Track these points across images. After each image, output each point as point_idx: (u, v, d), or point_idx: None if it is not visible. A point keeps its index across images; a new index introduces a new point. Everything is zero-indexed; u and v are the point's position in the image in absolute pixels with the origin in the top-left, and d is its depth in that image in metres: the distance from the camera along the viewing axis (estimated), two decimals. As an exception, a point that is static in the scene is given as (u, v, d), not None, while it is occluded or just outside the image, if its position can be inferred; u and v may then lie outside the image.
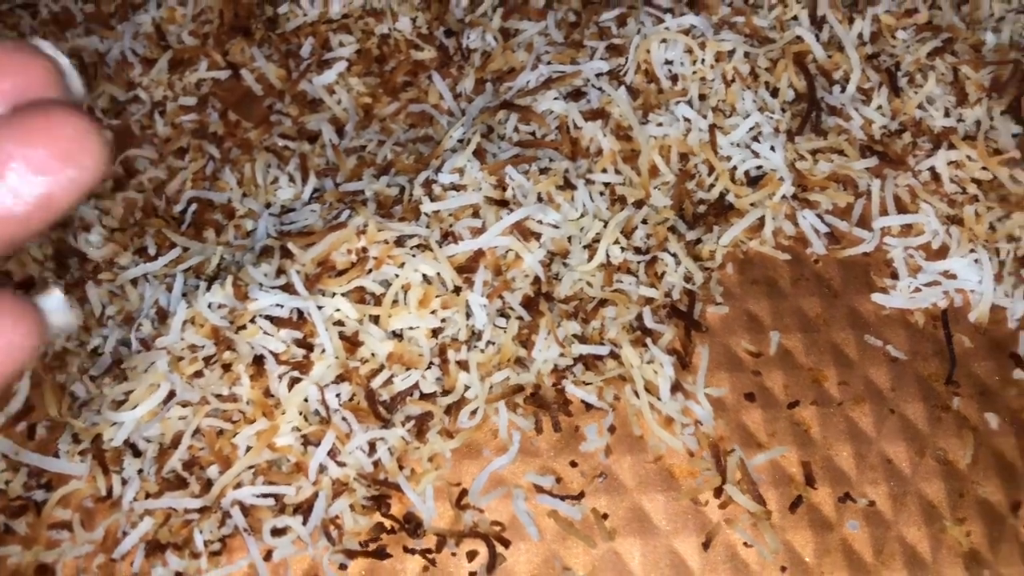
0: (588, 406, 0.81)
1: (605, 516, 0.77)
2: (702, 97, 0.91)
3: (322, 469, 0.76)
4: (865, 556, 0.75)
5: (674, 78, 0.92)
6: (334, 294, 0.77)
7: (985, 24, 0.96)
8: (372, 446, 0.77)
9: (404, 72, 0.99)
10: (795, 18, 0.95)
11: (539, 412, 0.80)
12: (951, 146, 0.89)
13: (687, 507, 0.77)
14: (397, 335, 0.78)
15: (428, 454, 0.78)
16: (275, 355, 0.76)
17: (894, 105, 0.92)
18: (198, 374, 0.76)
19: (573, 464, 0.79)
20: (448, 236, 0.81)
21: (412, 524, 0.76)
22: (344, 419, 0.76)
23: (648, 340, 0.82)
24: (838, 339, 0.84)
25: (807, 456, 0.79)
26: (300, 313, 0.76)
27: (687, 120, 0.89)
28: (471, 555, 0.75)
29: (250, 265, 0.79)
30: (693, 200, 0.88)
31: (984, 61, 0.92)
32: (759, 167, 0.89)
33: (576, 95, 0.91)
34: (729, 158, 0.89)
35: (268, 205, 0.90)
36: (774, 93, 0.92)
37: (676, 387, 0.80)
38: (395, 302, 0.78)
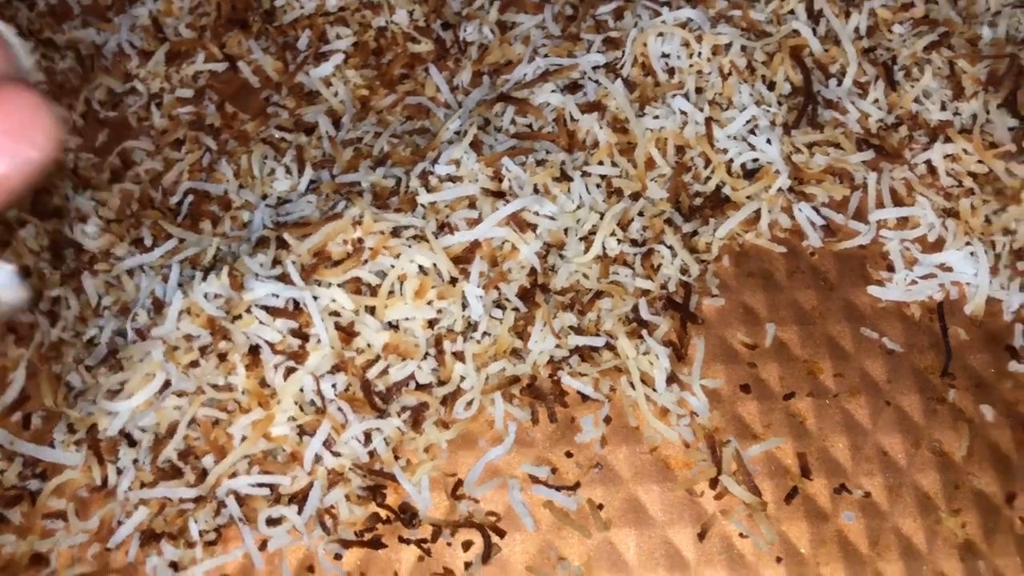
0: (584, 397, 0.81)
1: (600, 507, 0.77)
2: (698, 90, 0.91)
3: (317, 459, 0.76)
4: (860, 547, 0.75)
5: (671, 71, 0.92)
6: (330, 284, 0.77)
7: (981, 18, 0.96)
8: (368, 436, 0.77)
9: (401, 65, 0.99)
10: (792, 12, 0.95)
11: (535, 403, 0.80)
12: (947, 140, 0.89)
13: (682, 498, 0.77)
14: (393, 326, 0.78)
15: (424, 444, 0.78)
16: (271, 345, 0.76)
17: (890, 99, 0.92)
18: (194, 364, 0.76)
19: (569, 455, 0.79)
20: (444, 227, 0.81)
21: (407, 514, 0.76)
22: (340, 409, 0.76)
23: (644, 332, 0.82)
24: (834, 331, 0.84)
25: (803, 447, 0.79)
26: (296, 303, 0.76)
27: (683, 113, 0.89)
28: (466, 545, 0.75)
29: (246, 255, 0.79)
30: (689, 193, 0.88)
31: (980, 55, 0.92)
32: (755, 160, 0.89)
33: (573, 88, 0.91)
34: (725, 151, 0.89)
35: (264, 196, 0.90)
36: (770, 86, 0.92)
37: (672, 379, 0.80)
38: (391, 293, 0.78)
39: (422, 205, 0.81)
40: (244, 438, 0.75)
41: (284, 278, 0.77)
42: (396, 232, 0.79)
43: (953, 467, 0.78)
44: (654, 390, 0.80)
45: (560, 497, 0.77)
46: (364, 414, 0.76)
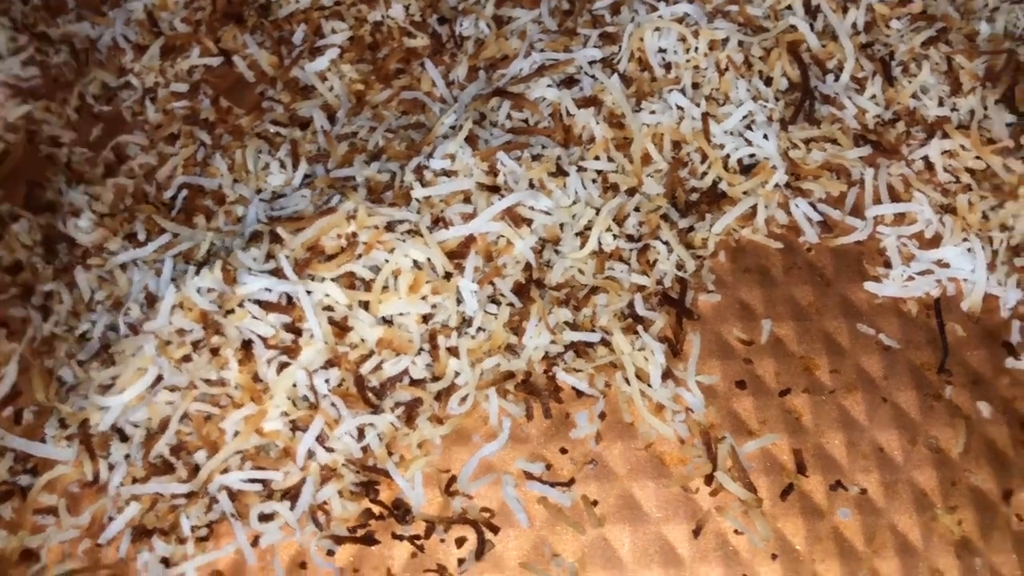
0: (579, 393, 0.80)
1: (595, 503, 0.76)
2: (695, 85, 0.91)
3: (310, 455, 0.75)
4: (856, 544, 0.74)
5: (667, 66, 0.91)
6: (323, 279, 0.76)
7: (979, 14, 0.95)
8: (361, 432, 0.76)
9: (397, 59, 0.98)
10: (789, 7, 0.95)
11: (530, 399, 0.80)
12: (945, 135, 0.89)
13: (677, 494, 0.76)
14: (387, 321, 0.78)
15: (417, 440, 0.78)
16: (263, 340, 0.75)
17: (888, 94, 0.92)
18: (186, 358, 0.76)
19: (563, 451, 0.78)
20: (439, 222, 0.80)
21: (400, 510, 0.76)
22: (333, 405, 0.75)
23: (639, 328, 0.81)
24: (830, 327, 0.83)
25: (798, 444, 0.78)
26: (289, 298, 0.76)
27: (680, 108, 0.89)
28: (460, 541, 0.75)
29: (239, 250, 0.79)
30: (686, 188, 0.88)
31: (978, 51, 0.91)
32: (752, 155, 0.89)
33: (569, 83, 0.91)
34: (722, 146, 0.88)
35: (259, 191, 0.89)
36: (768, 82, 0.92)
37: (667, 374, 0.80)
38: (385, 288, 0.77)
39: (417, 200, 0.81)
40: (236, 433, 0.75)
41: (277, 272, 0.76)
42: (390, 227, 0.79)
43: (949, 464, 0.77)
44: (649, 386, 0.79)
45: (554, 493, 0.76)
46: (357, 409, 0.76)
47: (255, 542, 0.75)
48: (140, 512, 0.75)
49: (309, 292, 0.76)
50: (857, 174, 0.90)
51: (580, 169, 0.86)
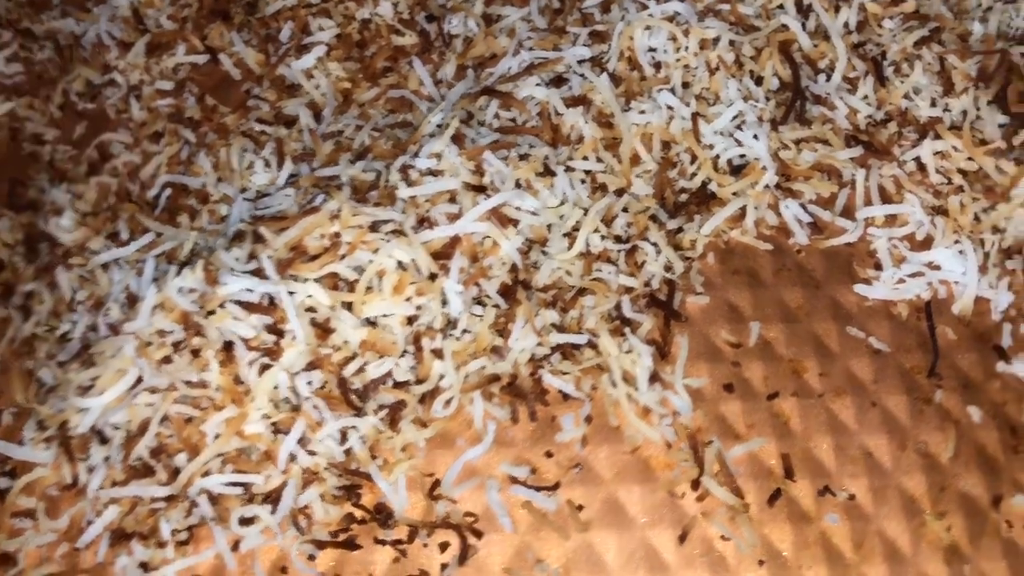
0: (565, 396, 0.79)
1: (580, 508, 0.75)
2: (685, 85, 0.90)
3: (292, 458, 0.74)
4: (844, 550, 0.74)
5: (657, 65, 0.90)
6: (306, 279, 0.75)
7: (972, 14, 0.94)
8: (344, 435, 0.75)
9: (384, 57, 0.97)
10: (781, 6, 0.94)
11: (515, 402, 0.79)
12: (937, 136, 0.88)
13: (664, 499, 0.75)
14: (371, 322, 0.77)
15: (401, 443, 0.77)
16: (245, 341, 0.74)
17: (880, 94, 0.91)
18: (166, 360, 0.75)
19: (549, 455, 0.77)
20: (424, 222, 0.79)
21: (383, 515, 0.75)
22: (315, 407, 0.74)
23: (627, 330, 0.80)
24: (820, 330, 0.83)
25: (786, 448, 0.77)
26: (271, 299, 0.75)
27: (670, 108, 0.88)
28: (443, 546, 0.74)
29: (222, 249, 0.78)
30: (675, 189, 0.87)
31: (971, 51, 0.90)
32: (742, 156, 0.88)
33: (558, 81, 0.90)
34: (712, 146, 0.87)
35: (243, 190, 0.89)
36: (758, 81, 0.91)
37: (654, 377, 0.79)
38: (369, 288, 0.77)
39: (402, 199, 0.80)
40: (217, 436, 0.74)
41: (259, 273, 0.75)
42: (374, 227, 0.78)
43: (939, 469, 0.77)
44: (636, 389, 0.78)
45: (539, 498, 0.75)
46: (340, 412, 0.75)
47: (235, 546, 0.74)
48: (119, 515, 0.74)
49: (291, 293, 0.75)
50: (848, 175, 0.89)
51: (568, 169, 0.85)
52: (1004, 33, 0.93)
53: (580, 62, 0.91)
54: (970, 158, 0.87)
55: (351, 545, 0.74)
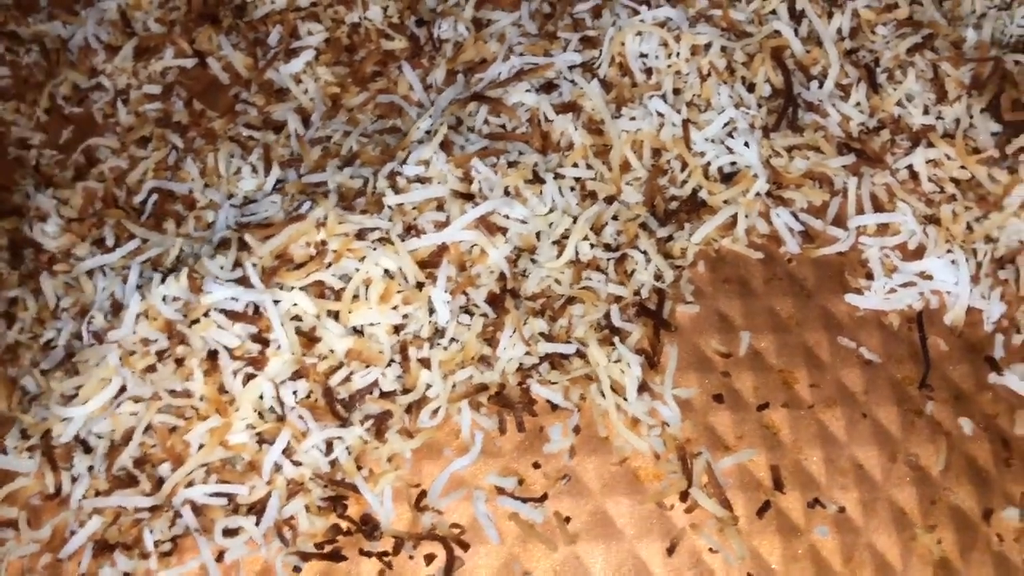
0: (553, 406, 0.78)
1: (568, 519, 0.75)
2: (676, 91, 0.89)
3: (277, 468, 0.73)
4: (834, 563, 0.73)
5: (648, 71, 0.90)
6: (292, 288, 0.75)
7: (966, 20, 0.94)
8: (329, 445, 0.75)
9: (373, 62, 0.97)
10: (773, 12, 0.93)
11: (503, 412, 0.78)
12: (930, 144, 0.88)
13: (652, 511, 0.75)
14: (357, 331, 0.76)
15: (387, 454, 0.76)
16: (229, 350, 0.73)
17: (872, 102, 0.90)
18: (150, 369, 0.74)
19: (536, 465, 0.77)
20: (411, 230, 0.79)
21: (369, 526, 0.74)
22: (300, 417, 0.74)
23: (616, 339, 0.80)
24: (810, 340, 0.82)
25: (776, 460, 0.77)
26: (256, 307, 0.74)
27: (660, 115, 0.87)
28: (429, 558, 0.73)
29: (207, 257, 0.77)
30: (665, 196, 0.86)
31: (964, 58, 0.90)
32: (733, 163, 0.87)
33: (548, 87, 0.89)
34: (703, 154, 0.87)
35: (230, 196, 0.88)
36: (750, 88, 0.90)
37: (643, 387, 0.78)
38: (355, 297, 0.76)
39: (389, 207, 0.79)
40: (201, 446, 0.73)
41: (244, 281, 0.75)
42: (361, 234, 0.77)
43: (930, 482, 0.76)
44: (625, 399, 0.77)
45: (526, 509, 0.75)
46: (326, 422, 0.74)
47: (220, 557, 0.73)
48: (102, 526, 0.74)
49: (276, 301, 0.74)
50: (840, 183, 0.88)
51: (557, 176, 0.84)
52: (998, 40, 0.92)
53: (571, 68, 0.90)
54: (963, 167, 0.86)
55: (336, 557, 0.73)
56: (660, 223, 0.85)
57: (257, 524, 0.73)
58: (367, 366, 0.76)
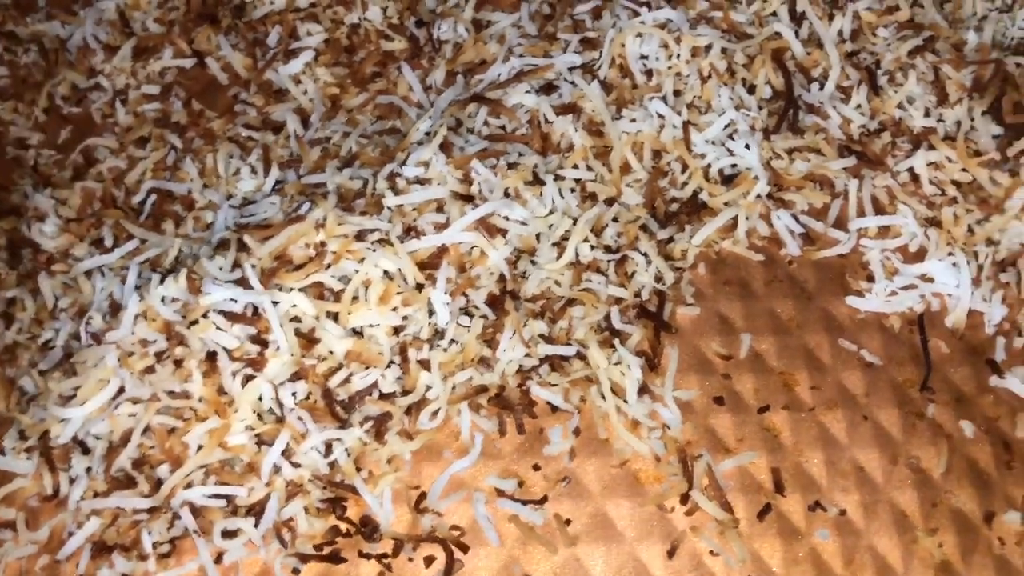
0: (553, 408, 0.78)
1: (568, 522, 0.74)
2: (677, 93, 0.89)
3: (276, 470, 0.73)
4: (835, 566, 0.73)
5: (648, 73, 0.90)
6: (291, 289, 0.74)
7: (967, 23, 0.94)
8: (328, 447, 0.74)
9: (373, 63, 0.96)
10: (774, 14, 0.93)
11: (503, 413, 0.78)
12: (931, 147, 0.87)
13: (652, 513, 0.75)
14: (356, 332, 0.76)
15: (387, 456, 0.76)
16: (228, 351, 0.73)
17: (873, 104, 0.90)
18: (149, 370, 0.74)
19: (536, 468, 0.76)
20: (411, 231, 0.78)
21: (368, 528, 0.74)
22: (299, 418, 0.73)
23: (616, 341, 0.79)
24: (811, 343, 0.82)
25: (777, 462, 0.76)
26: (255, 308, 0.74)
27: (661, 116, 0.87)
28: (428, 560, 0.73)
29: (205, 258, 0.77)
30: (665, 198, 0.86)
31: (966, 60, 0.89)
32: (734, 165, 0.87)
33: (548, 89, 0.89)
34: (703, 156, 0.87)
35: (229, 197, 0.88)
36: (751, 90, 0.90)
37: (643, 389, 0.78)
38: (354, 298, 0.76)
39: (388, 208, 0.79)
40: (200, 447, 0.73)
41: (243, 282, 0.74)
42: (360, 236, 0.77)
43: (931, 484, 0.76)
44: (625, 401, 0.77)
45: (526, 511, 0.74)
46: (325, 424, 0.74)
47: (218, 559, 0.72)
48: (101, 527, 0.73)
49: (275, 303, 0.74)
50: (841, 185, 0.88)
51: (557, 178, 0.84)
52: (999, 43, 0.92)
53: (571, 69, 0.90)
54: (964, 169, 0.86)
55: (335, 559, 0.73)
56: (660, 225, 0.85)
57: (256, 526, 0.72)
58: (366, 367, 0.75)
